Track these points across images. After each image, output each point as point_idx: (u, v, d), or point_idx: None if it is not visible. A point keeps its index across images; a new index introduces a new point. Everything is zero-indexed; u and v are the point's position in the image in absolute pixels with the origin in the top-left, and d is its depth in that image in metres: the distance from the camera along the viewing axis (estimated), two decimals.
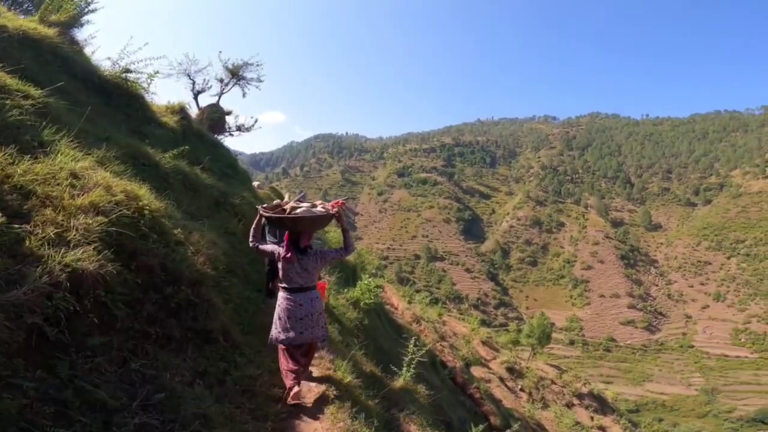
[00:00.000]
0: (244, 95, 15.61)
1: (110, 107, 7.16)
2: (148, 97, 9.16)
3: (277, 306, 3.50)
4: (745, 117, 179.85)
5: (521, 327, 24.39)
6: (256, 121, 15.70)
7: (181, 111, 10.01)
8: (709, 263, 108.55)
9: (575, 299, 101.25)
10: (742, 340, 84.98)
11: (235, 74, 15.11)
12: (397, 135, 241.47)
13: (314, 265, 3.41)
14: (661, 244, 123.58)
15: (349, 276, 9.57)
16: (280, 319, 3.45)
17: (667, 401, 72.35)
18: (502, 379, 15.58)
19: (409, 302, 18.31)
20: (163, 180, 5.39)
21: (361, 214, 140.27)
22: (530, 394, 15.32)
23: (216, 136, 13.37)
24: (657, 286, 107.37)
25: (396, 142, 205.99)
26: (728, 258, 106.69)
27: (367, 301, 7.61)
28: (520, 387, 15.10)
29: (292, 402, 3.32)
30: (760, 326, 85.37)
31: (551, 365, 23.24)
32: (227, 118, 15.02)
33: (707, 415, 69.08)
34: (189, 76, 14.83)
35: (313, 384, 3.79)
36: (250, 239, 3.50)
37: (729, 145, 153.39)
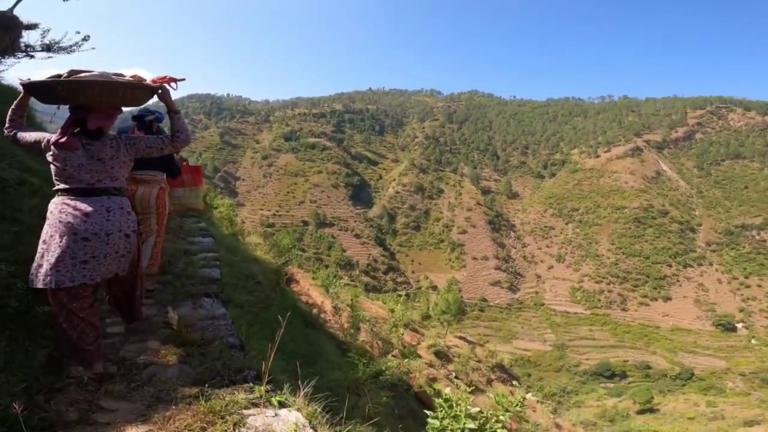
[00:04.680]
0: None
1: None
2: None
3: (46, 223, 2.18)
4: (586, 104, 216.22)
5: (437, 300, 24.32)
6: (85, 39, 10.41)
7: None
8: (553, 228, 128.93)
9: (453, 262, 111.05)
10: (578, 297, 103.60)
11: None
12: (285, 99, 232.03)
13: (113, 153, 2.24)
14: (518, 210, 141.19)
15: (270, 293, 5.77)
16: (45, 242, 2.12)
17: (531, 357, 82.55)
18: (434, 367, 14.85)
19: (327, 290, 16.21)
20: None
21: (243, 179, 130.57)
22: (462, 379, 15.03)
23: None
24: (516, 248, 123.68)
25: (284, 106, 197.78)
26: (566, 224, 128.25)
27: None
28: (454, 374, 14.63)
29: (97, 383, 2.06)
30: (590, 285, 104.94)
31: (459, 338, 23.88)
32: (27, 33, 9.37)
33: (561, 370, 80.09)
34: None
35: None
36: (6, 125, 2.31)
37: (572, 128, 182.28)
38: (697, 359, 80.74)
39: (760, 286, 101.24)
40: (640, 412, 31.45)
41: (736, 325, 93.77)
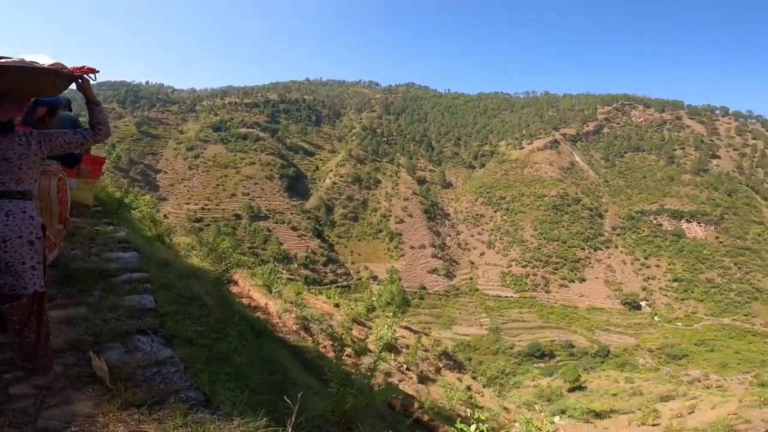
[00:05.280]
0: None
1: None
2: None
3: None
4: (513, 99, 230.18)
5: (380, 291, 24.15)
6: None
7: None
8: (483, 216, 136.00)
9: (392, 251, 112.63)
10: (508, 281, 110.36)
11: None
12: (214, 87, 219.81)
13: (23, 151, 2.04)
14: (452, 199, 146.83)
15: (221, 315, 4.14)
16: None
17: (470, 342, 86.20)
18: (385, 361, 14.66)
19: (270, 289, 15.29)
20: None
21: (165, 172, 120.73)
22: (412, 370, 14.99)
23: None
24: (450, 236, 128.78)
25: (212, 95, 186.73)
26: (495, 212, 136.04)
27: None
28: (405, 366, 14.52)
29: None
30: (518, 269, 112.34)
31: (404, 328, 23.99)
32: None
33: (498, 352, 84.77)
34: None
35: None
36: None
37: (500, 121, 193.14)
38: (611, 337, 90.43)
39: (658, 266, 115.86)
40: (571, 390, 34.34)
41: (640, 303, 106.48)
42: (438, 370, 17.35)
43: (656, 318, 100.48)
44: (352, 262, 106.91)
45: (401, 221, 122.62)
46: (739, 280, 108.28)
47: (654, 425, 17.72)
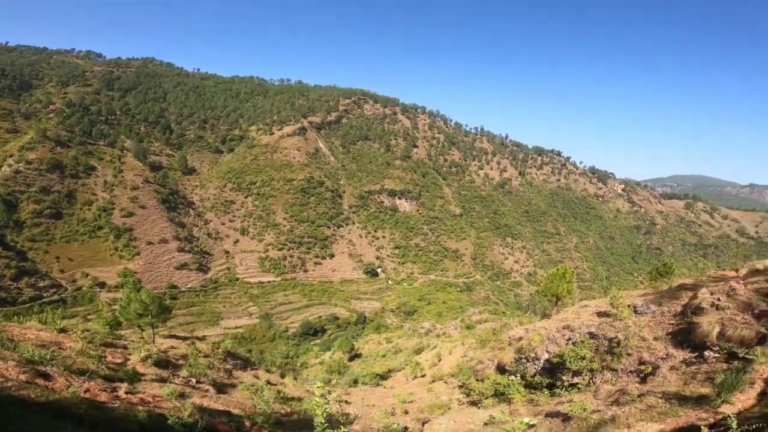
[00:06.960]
0: None
1: None
2: None
3: None
4: (267, 85, 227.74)
5: (124, 302, 18.85)
6: None
7: None
8: (234, 202, 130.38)
9: (121, 251, 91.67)
10: (267, 266, 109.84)
11: None
12: None
13: None
14: (196, 186, 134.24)
15: None
16: None
17: (244, 333, 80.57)
18: (165, 381, 11.55)
19: None
20: None
21: None
22: (204, 382, 12.15)
23: None
24: (197, 226, 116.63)
25: None
26: (246, 197, 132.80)
27: None
28: (194, 381, 11.62)
29: None
30: (275, 253, 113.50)
31: (169, 337, 19.80)
32: None
33: (275, 338, 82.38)
34: None
35: None
36: None
37: (252, 106, 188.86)
38: (363, 304, 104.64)
39: (384, 237, 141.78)
40: (351, 359, 37.11)
41: (377, 270, 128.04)
42: (230, 374, 14.93)
43: (390, 282, 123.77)
44: (61, 270, 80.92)
45: (130, 214, 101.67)
46: (433, 242, 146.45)
47: (423, 376, 21.21)
